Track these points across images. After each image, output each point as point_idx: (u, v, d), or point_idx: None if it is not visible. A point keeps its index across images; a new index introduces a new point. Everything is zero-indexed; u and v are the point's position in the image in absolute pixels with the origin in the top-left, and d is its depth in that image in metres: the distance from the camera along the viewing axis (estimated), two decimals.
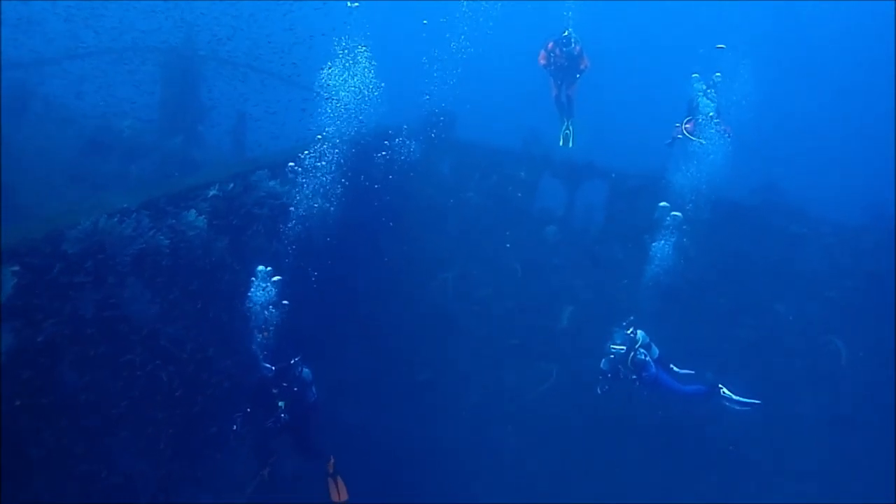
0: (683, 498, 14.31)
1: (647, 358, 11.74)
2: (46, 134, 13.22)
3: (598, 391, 12.03)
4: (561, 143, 15.17)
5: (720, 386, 12.01)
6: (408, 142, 15.42)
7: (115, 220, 7.35)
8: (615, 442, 14.75)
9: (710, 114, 13.44)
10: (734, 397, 11.87)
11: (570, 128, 14.95)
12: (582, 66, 14.01)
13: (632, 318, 12.13)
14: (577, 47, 13.81)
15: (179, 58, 16.64)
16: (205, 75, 17.01)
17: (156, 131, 15.65)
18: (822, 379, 15.29)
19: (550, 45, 13.92)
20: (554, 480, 14.67)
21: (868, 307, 15.34)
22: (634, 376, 11.75)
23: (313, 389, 9.98)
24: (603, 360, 11.93)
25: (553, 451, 14.91)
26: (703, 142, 13.21)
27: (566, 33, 13.77)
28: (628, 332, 11.86)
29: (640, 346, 11.77)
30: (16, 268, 6.17)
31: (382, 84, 12.56)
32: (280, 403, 9.47)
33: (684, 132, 13.65)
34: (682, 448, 14.77)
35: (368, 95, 12.52)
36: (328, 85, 12.13)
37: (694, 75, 14.01)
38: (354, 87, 12.28)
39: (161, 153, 14.49)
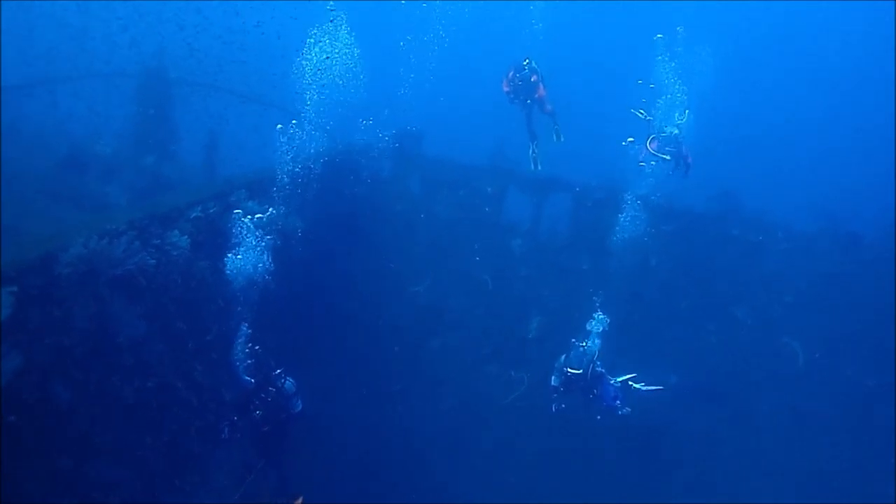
0: (654, 498, 14.81)
1: (602, 369, 12.04)
2: (23, 153, 13.32)
3: (553, 409, 12.33)
4: (533, 166, 15.53)
5: (630, 382, 12.51)
6: (379, 157, 15.80)
7: (105, 241, 7.60)
8: (588, 445, 15.14)
9: (675, 131, 13.85)
10: (643, 388, 12.49)
11: (537, 150, 15.23)
12: (536, 95, 14.34)
13: (600, 292, 12.46)
14: (535, 77, 14.17)
15: (151, 79, 16.77)
16: (176, 96, 17.12)
17: (130, 151, 15.76)
18: (781, 379, 15.92)
19: (511, 73, 14.31)
20: (529, 482, 15.07)
21: (823, 310, 15.99)
22: (595, 391, 12.01)
23: (297, 401, 10.17)
24: (553, 377, 12.23)
25: (528, 454, 15.33)
26: (668, 157, 13.66)
27: (525, 62, 14.19)
28: (582, 345, 12.15)
29: (595, 358, 12.00)
30: (14, 288, 6.41)
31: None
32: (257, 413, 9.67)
33: (649, 149, 14.07)
34: (654, 449, 15.30)
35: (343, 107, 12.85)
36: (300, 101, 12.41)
37: (658, 36, 14.47)
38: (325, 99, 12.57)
39: (136, 173, 14.66)
